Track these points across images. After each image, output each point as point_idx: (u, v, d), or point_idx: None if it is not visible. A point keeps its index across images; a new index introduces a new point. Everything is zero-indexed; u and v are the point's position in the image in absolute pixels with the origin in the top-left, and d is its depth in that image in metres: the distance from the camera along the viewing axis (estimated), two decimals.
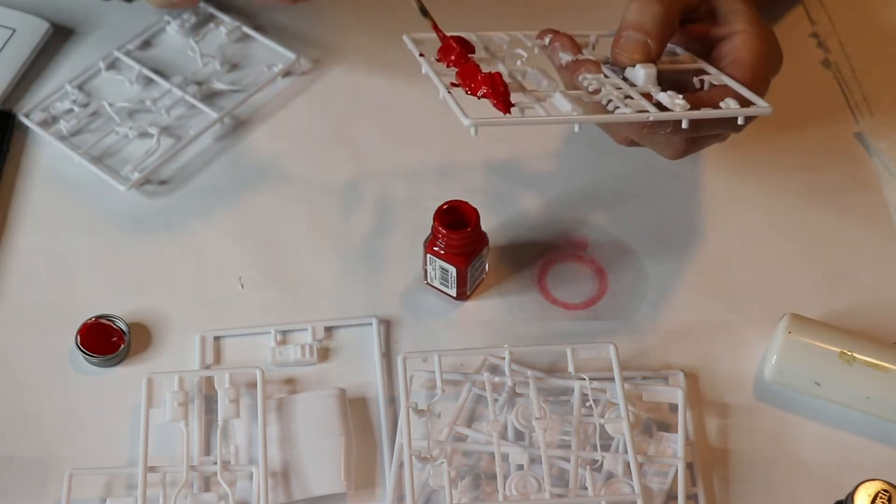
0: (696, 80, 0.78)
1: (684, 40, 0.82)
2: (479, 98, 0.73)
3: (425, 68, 0.76)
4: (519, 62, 0.79)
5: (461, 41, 0.78)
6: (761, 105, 0.75)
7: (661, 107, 0.73)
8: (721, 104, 0.74)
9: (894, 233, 0.91)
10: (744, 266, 0.89)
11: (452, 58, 0.76)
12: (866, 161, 0.95)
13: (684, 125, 0.73)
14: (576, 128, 0.72)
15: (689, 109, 0.73)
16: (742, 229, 0.91)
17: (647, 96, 0.74)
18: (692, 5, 0.81)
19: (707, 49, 0.82)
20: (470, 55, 0.77)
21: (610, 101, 0.73)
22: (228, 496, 0.75)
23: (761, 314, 0.85)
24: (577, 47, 0.79)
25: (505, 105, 0.72)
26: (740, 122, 0.75)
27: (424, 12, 0.79)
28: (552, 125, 0.70)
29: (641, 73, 0.76)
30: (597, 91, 0.74)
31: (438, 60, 0.77)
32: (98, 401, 0.81)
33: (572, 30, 0.82)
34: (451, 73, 0.75)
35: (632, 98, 0.74)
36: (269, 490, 0.75)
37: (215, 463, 0.76)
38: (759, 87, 0.78)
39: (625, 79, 0.77)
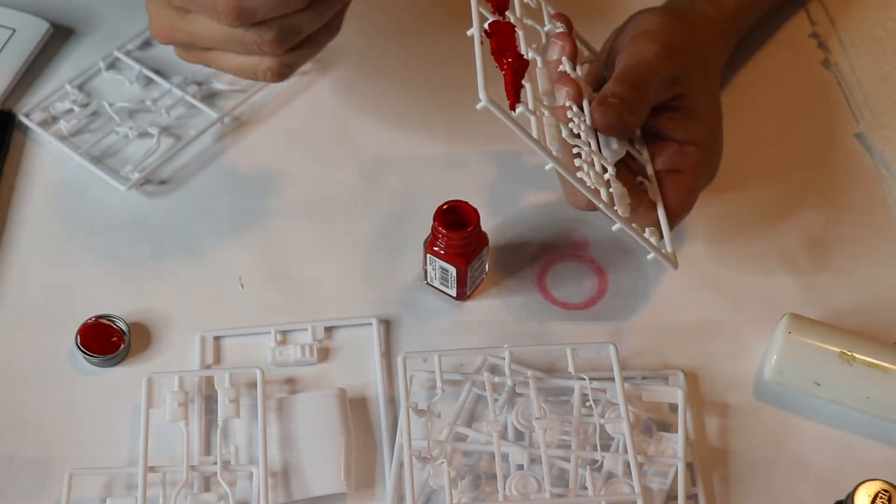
0: (638, 179, 0.80)
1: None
2: (496, 67, 0.72)
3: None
4: (532, 48, 0.78)
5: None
6: (670, 262, 0.79)
7: (609, 196, 0.76)
8: (646, 233, 0.78)
9: (894, 233, 0.91)
10: (744, 266, 0.89)
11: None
12: (866, 161, 0.95)
13: (614, 228, 0.76)
14: (547, 167, 0.73)
15: (628, 215, 0.77)
16: (741, 229, 0.91)
17: (602, 175, 0.77)
18: (664, 101, 0.82)
19: (661, 134, 0.83)
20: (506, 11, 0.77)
21: (580, 157, 0.75)
22: (228, 496, 0.75)
23: (761, 314, 0.85)
24: (574, 55, 0.80)
25: (513, 99, 0.72)
26: (649, 257, 0.78)
27: None
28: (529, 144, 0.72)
29: (613, 146, 0.78)
30: (577, 136, 0.76)
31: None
32: (98, 401, 0.81)
33: (584, 30, 0.83)
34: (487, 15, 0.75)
35: (595, 170, 0.76)
36: (269, 490, 0.75)
37: (215, 463, 0.76)
38: (688, 206, 0.81)
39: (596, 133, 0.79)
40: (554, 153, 0.73)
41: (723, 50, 0.91)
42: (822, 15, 1.04)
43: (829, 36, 1.02)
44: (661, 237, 0.79)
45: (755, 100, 0.98)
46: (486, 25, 0.74)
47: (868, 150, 0.95)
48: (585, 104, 0.79)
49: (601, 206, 0.75)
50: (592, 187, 0.75)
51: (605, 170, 0.77)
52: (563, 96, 0.78)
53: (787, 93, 0.99)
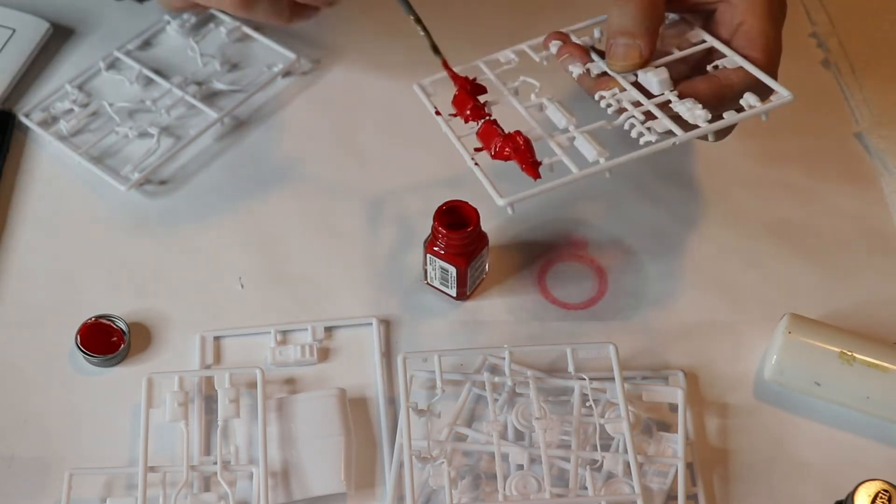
0: (709, 67, 0.78)
1: (679, 11, 0.81)
2: (505, 161, 0.74)
3: (445, 129, 0.76)
4: (533, 95, 0.78)
5: (473, 86, 0.78)
6: (782, 95, 0.75)
7: (680, 119, 0.74)
8: (742, 102, 0.75)
9: (894, 233, 0.91)
10: (744, 266, 0.89)
11: (468, 112, 0.77)
12: (866, 161, 0.95)
13: (710, 139, 0.74)
14: (606, 174, 0.72)
15: (708, 103, 0.74)
16: (742, 229, 0.91)
17: (665, 105, 0.75)
18: None
19: (706, 14, 0.80)
20: (483, 99, 0.77)
21: (633, 126, 0.74)
22: (228, 496, 0.75)
23: (761, 314, 0.85)
24: (585, 55, 0.79)
25: (533, 169, 0.73)
26: (764, 118, 0.75)
27: (436, 49, 0.80)
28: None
29: (654, 82, 0.76)
30: (619, 112, 0.75)
31: (453, 115, 0.77)
32: (98, 401, 0.81)
33: (572, 22, 0.82)
34: (470, 130, 0.76)
35: (652, 115, 0.74)
36: (269, 490, 0.75)
37: (215, 463, 0.76)
38: (773, 54, 0.78)
39: (638, 84, 0.77)
40: (607, 163, 0.72)
41: None
42: (822, 15, 1.04)
43: (829, 36, 1.02)
44: (765, 95, 0.76)
45: None
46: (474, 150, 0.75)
47: (868, 149, 0.96)
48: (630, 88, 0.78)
49: (683, 139, 0.73)
50: (663, 132, 0.73)
51: (668, 102, 0.75)
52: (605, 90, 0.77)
53: None
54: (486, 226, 0.83)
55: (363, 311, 0.85)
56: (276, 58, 0.99)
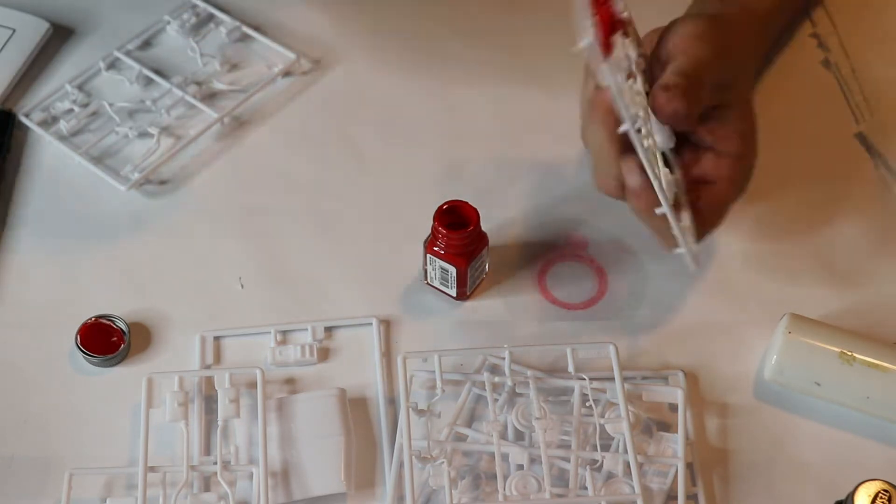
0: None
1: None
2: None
3: (609, 80, 0.73)
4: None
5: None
6: (694, 262, 0.79)
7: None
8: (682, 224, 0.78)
9: (894, 233, 0.91)
10: (744, 266, 0.89)
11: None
12: (866, 161, 0.95)
13: (657, 211, 0.76)
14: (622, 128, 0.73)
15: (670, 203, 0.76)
16: (742, 229, 0.91)
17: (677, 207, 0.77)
18: (707, 107, 0.79)
19: (698, 142, 0.80)
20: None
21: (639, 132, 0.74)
22: (228, 496, 0.75)
23: (761, 314, 0.85)
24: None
25: (605, 47, 0.71)
26: (677, 250, 0.78)
27: None
28: None
29: (659, 139, 0.76)
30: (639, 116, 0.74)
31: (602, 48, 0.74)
32: (98, 401, 0.81)
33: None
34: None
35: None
36: (269, 490, 0.75)
37: (215, 463, 0.76)
38: (719, 220, 0.81)
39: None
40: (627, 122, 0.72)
41: (758, 62, 0.90)
42: (822, 15, 1.04)
43: (829, 36, 1.02)
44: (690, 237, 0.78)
45: (754, 100, 0.97)
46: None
47: (868, 150, 0.96)
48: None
49: (653, 179, 0.74)
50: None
51: (662, 157, 0.76)
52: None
53: (787, 93, 0.99)
54: (486, 226, 0.83)
55: (363, 311, 0.85)
56: (276, 58, 0.99)
